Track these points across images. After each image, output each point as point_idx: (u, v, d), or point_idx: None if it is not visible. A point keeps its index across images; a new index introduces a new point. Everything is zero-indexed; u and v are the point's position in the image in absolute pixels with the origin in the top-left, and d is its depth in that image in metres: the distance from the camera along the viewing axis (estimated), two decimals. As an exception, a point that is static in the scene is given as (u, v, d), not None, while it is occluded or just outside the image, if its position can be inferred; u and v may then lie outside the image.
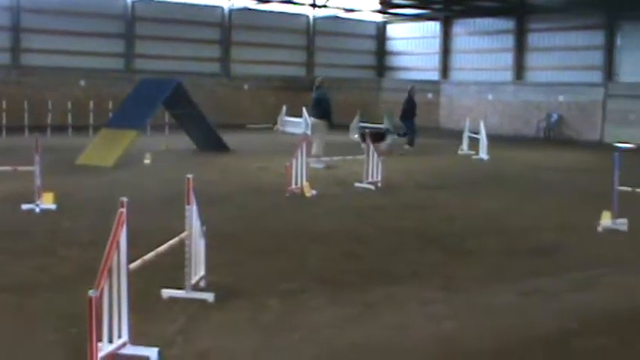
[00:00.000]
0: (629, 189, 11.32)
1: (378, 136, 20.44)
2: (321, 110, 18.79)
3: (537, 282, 8.14)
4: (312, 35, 36.09)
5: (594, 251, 9.83)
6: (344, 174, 16.53)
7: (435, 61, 36.44)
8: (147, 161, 17.92)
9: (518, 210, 13.04)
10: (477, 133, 22.17)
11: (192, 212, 7.04)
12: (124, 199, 5.50)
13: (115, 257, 5.40)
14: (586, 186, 16.04)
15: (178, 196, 7.11)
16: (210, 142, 21.12)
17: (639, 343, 6.29)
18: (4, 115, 24.97)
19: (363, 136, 19.59)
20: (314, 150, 18.05)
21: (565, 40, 31.49)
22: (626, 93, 28.65)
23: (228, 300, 7.08)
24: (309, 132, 20.81)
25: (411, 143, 22.99)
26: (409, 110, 23.49)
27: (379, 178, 14.97)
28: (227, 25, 33.37)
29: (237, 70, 33.74)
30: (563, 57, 31.52)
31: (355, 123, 27.84)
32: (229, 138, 21.99)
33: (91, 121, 25.05)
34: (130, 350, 5.57)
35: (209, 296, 7.04)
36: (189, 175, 6.90)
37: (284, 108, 30.80)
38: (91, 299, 4.99)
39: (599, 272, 8.65)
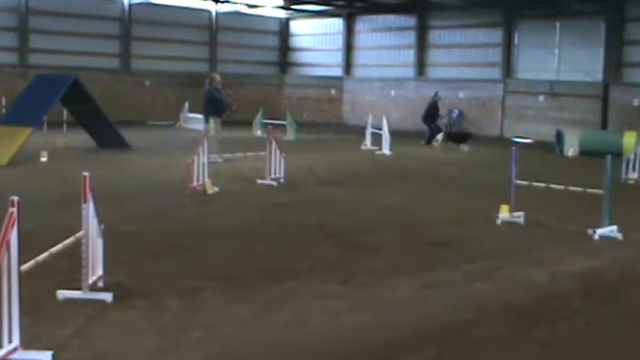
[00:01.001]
0: (526, 183, 11.63)
1: (461, 137, 25.13)
2: (211, 107, 18.79)
3: (436, 275, 8.28)
4: (214, 31, 35.79)
5: (492, 243, 10.05)
6: (246, 171, 16.45)
7: (338, 57, 36.67)
8: (43, 159, 17.42)
9: (419, 204, 13.23)
10: (379, 128, 22.40)
11: (89, 211, 6.87)
12: (15, 199, 5.32)
13: (5, 259, 5.21)
14: (486, 180, 16.40)
15: (76, 195, 6.91)
16: (110, 139, 20.67)
17: (533, 332, 6.45)
18: None
19: (449, 136, 25.44)
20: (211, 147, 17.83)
21: (465, 38, 32.14)
22: (524, 89, 29.44)
23: (127, 300, 6.94)
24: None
25: (429, 141, 25.71)
26: (429, 114, 26.29)
27: (282, 175, 14.95)
28: (127, 19, 32.75)
29: (138, 65, 33.16)
30: (464, 54, 32.17)
31: (258, 119, 27.76)
32: (130, 135, 21.58)
33: (-15, 118, 24.13)
34: (22, 355, 5.38)
35: (107, 296, 6.88)
36: (86, 173, 6.73)
37: (186, 104, 30.43)
38: (-23, 303, 4.81)
39: (497, 264, 8.84)
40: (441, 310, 6.98)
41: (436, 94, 26.76)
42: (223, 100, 18.98)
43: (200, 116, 27.83)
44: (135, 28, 32.99)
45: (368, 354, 5.86)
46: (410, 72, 33.85)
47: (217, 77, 19.41)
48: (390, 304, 7.17)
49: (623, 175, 16.36)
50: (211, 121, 18.70)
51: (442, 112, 27.20)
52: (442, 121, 26.83)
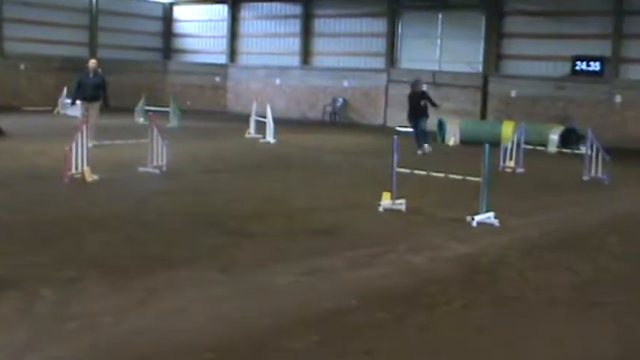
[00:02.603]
0: (408, 171, 11.81)
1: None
2: (102, 93, 18.78)
3: (318, 261, 8.29)
4: (95, 14, 34.82)
5: (374, 230, 10.16)
6: (128, 159, 16.07)
7: (223, 44, 36.35)
8: None
9: (301, 192, 13.25)
10: (264, 117, 22.32)
11: (-45, 198, 6.54)
12: None
13: None
14: (369, 168, 16.58)
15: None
16: (-17, 125, 19.83)
17: (412, 316, 6.55)
18: None
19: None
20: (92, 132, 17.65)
21: (350, 27, 32.43)
22: (407, 79, 29.85)
23: (-3, 291, 6.65)
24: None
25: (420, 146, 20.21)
26: (412, 109, 20.79)
27: (164, 163, 14.69)
28: (-1, 0, 31.48)
29: (11, 48, 31.91)
30: (349, 43, 32.46)
31: (140, 106, 27.21)
32: (4, 121, 20.77)
33: None
34: None
35: (-26, 289, 6.58)
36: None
37: (65, 90, 29.46)
38: None
39: (379, 250, 8.93)
40: (323, 297, 7.00)
41: (415, 82, 21.37)
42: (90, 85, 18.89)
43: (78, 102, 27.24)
44: (7, 8, 31.69)
45: (251, 341, 5.80)
46: (295, 60, 33.90)
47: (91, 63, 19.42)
48: (272, 291, 7.14)
49: (501, 164, 16.85)
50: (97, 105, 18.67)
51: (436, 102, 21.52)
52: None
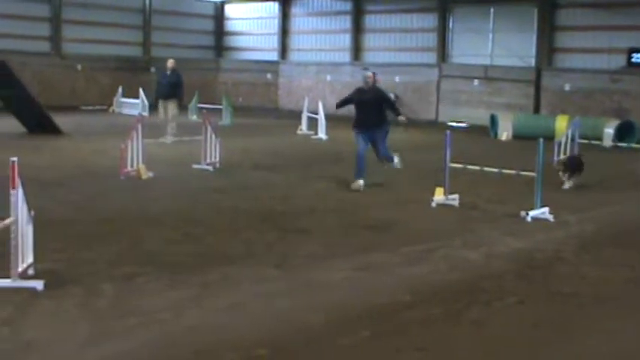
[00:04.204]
0: (461, 166, 11.77)
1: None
2: (178, 91, 19.67)
3: (371, 257, 8.32)
4: (148, 14, 35.26)
5: (428, 226, 10.16)
6: (182, 155, 16.29)
7: (274, 41, 36.48)
8: (-28, 145, 17.00)
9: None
10: (315, 113, 22.39)
11: (18, 197, 6.72)
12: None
13: None
14: (421, 164, 16.50)
15: (5, 182, 6.75)
16: (41, 124, 20.24)
17: (466, 312, 6.55)
18: None
19: (564, 165, 13.64)
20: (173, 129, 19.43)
21: (401, 22, 32.28)
22: (458, 74, 29.74)
23: (59, 287, 6.81)
24: (145, 113, 20.65)
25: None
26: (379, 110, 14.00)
27: (217, 159, 14.85)
28: (58, 2, 32.02)
29: (69, 49, 32.50)
30: (399, 38, 32.32)
31: (194, 104, 27.51)
32: (62, 120, 21.18)
33: None
34: (-51, 344, 5.26)
35: (38, 284, 6.75)
36: (14, 159, 6.58)
37: (120, 89, 29.98)
38: None
39: (433, 246, 8.94)
40: (376, 292, 7.03)
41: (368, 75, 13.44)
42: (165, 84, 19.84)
43: (134, 101, 27.69)
44: (66, 10, 32.28)
45: (304, 337, 5.86)
46: (346, 57, 33.88)
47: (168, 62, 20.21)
48: (325, 287, 7.20)
49: (555, 158, 16.66)
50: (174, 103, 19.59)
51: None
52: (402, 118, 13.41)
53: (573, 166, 13.61)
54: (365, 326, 6.09)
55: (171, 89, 19.38)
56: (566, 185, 13.31)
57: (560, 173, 13.47)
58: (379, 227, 9.93)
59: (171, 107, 19.50)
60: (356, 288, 7.21)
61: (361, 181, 12.85)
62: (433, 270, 7.95)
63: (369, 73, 13.28)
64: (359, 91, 13.28)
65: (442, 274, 7.79)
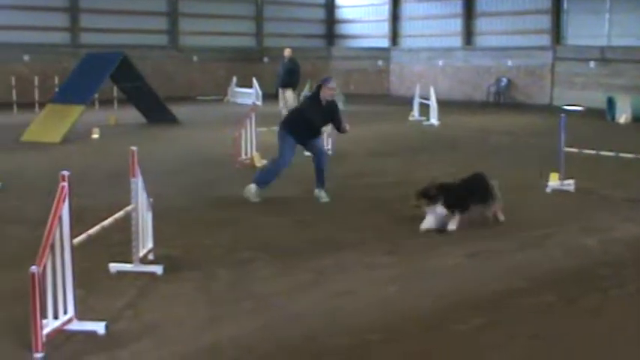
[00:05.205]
0: (576, 150, 11.49)
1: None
2: (293, 79, 20.29)
3: (486, 243, 8.24)
4: (260, 5, 35.77)
5: (542, 211, 9.98)
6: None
7: (385, 28, 36.38)
8: (95, 136, 17.70)
9: (467, 174, 13.07)
10: (427, 99, 22.24)
11: (138, 185, 6.97)
12: (65, 173, 5.42)
13: (58, 232, 5.32)
14: (535, 148, 16.21)
15: (126, 170, 7.02)
16: (159, 114, 20.91)
17: (583, 300, 6.41)
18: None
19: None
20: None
21: (513, 5, 31.64)
22: (573, 56, 28.94)
23: (177, 272, 7.05)
24: (258, 102, 21.12)
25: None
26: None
27: (329, 147, 14.96)
28: (174, -4, 32.94)
29: (185, 41, 33.35)
30: (512, 21, 31.69)
31: (305, 92, 27.72)
32: (179, 110, 21.79)
33: (37, 97, 24.57)
34: (77, 326, 5.52)
35: (158, 269, 7.00)
36: (134, 148, 6.83)
37: (234, 79, 30.59)
38: (32, 275, 4.93)
39: (548, 231, 8.78)
40: (490, 279, 6.97)
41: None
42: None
43: (247, 90, 28.22)
44: (182, 4, 33.12)
45: (417, 322, 5.87)
46: (457, 41, 33.47)
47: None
48: (439, 273, 7.17)
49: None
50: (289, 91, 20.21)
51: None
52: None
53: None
54: (478, 313, 6.05)
55: (287, 77, 19.69)
56: None
57: None
58: (493, 213, 9.80)
59: (288, 95, 19.85)
60: (469, 274, 7.16)
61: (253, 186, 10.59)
62: (549, 256, 7.80)
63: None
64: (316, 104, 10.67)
65: (558, 261, 7.64)
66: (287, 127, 10.70)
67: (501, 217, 9.17)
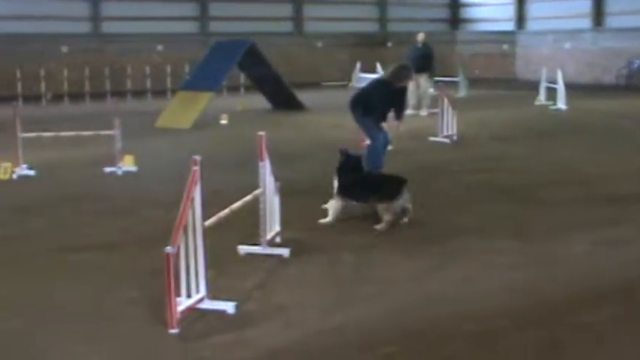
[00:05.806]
0: None
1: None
2: (428, 64, 19.92)
3: (615, 230, 8.04)
4: (384, -10, 35.73)
5: (675, 199, 9.64)
6: (418, 128, 16.44)
7: (510, 11, 35.61)
8: (223, 122, 18.19)
9: (595, 159, 12.80)
10: (554, 83, 21.73)
11: (266, 169, 7.16)
12: (197, 158, 5.64)
13: (190, 214, 5.56)
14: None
15: (254, 155, 7.24)
16: (285, 100, 21.27)
17: None
18: (86, 82, 25.54)
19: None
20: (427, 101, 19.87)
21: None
22: None
23: (303, 255, 7.21)
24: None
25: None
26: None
27: (454, 132, 14.87)
28: (299, -17, 33.33)
29: (310, 28, 33.69)
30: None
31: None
32: (304, 96, 22.06)
33: (169, 84, 25.47)
34: (208, 305, 5.75)
35: (285, 252, 7.18)
36: (262, 133, 7.02)
37: (358, 64, 30.66)
38: (167, 255, 5.18)
39: (679, 220, 8.49)
40: (620, 267, 6.81)
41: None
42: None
43: (372, 76, 28.22)
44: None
45: (544, 310, 5.78)
46: (586, 23, 32.38)
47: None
48: (565, 260, 7.06)
49: None
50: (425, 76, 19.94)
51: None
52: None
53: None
54: (610, 303, 5.91)
55: (422, 62, 19.56)
56: None
57: None
58: (622, 199, 9.52)
59: (423, 80, 19.79)
60: (599, 262, 7.01)
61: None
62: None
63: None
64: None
65: (692, 250, 7.39)
66: (359, 109, 11.06)
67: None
